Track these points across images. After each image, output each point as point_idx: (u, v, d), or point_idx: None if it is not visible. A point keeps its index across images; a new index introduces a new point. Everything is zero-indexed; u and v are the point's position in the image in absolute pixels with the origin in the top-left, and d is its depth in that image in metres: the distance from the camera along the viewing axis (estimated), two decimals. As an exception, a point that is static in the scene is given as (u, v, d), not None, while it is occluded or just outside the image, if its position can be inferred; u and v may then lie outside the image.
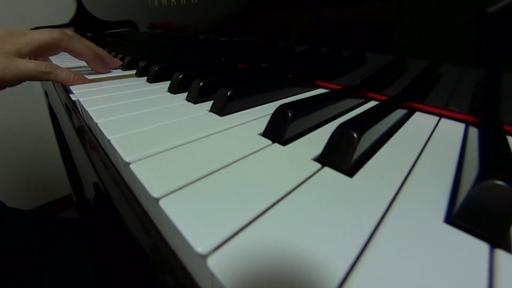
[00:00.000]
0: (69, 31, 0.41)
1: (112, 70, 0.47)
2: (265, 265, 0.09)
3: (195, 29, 0.55)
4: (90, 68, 0.45)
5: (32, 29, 0.89)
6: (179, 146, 0.18)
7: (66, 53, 0.44)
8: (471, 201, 0.11)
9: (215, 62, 0.50)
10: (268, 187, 0.13)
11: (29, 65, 0.33)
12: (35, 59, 0.37)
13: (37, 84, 1.14)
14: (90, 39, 0.54)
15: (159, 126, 0.21)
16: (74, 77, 0.36)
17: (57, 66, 0.36)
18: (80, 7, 1.11)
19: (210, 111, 0.25)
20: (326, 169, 0.15)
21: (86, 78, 0.39)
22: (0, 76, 0.32)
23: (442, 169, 0.16)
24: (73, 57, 0.42)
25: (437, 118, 0.24)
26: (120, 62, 0.49)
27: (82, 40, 0.42)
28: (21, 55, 0.35)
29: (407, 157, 0.17)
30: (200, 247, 0.10)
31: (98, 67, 0.44)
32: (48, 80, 0.36)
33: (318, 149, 0.17)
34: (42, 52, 0.38)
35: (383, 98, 0.29)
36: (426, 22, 0.23)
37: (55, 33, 0.37)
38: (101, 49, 0.46)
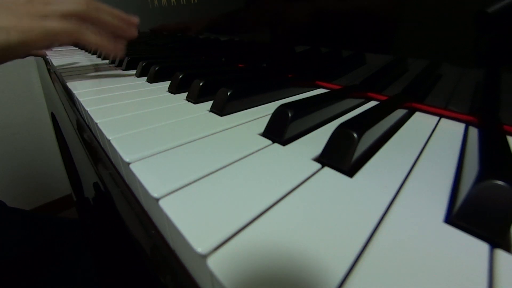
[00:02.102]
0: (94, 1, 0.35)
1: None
2: (265, 265, 0.09)
3: (195, 29, 0.55)
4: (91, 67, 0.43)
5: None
6: (179, 146, 0.18)
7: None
8: (471, 201, 0.11)
9: (215, 62, 0.50)
10: (268, 187, 0.13)
11: (56, 24, 0.31)
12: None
13: (37, 84, 1.14)
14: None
15: (159, 126, 0.21)
16: (102, 42, 0.34)
17: (86, 27, 0.33)
18: (80, 7, 1.11)
19: (210, 111, 0.25)
20: (326, 169, 0.15)
21: (117, 45, 0.36)
22: (26, 38, 0.29)
23: (442, 169, 0.16)
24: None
25: (437, 118, 0.24)
26: (137, 19, 0.42)
27: (111, 11, 0.37)
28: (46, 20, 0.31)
29: (407, 157, 0.17)
30: (200, 247, 0.10)
31: (125, 33, 0.39)
32: (77, 41, 0.33)
33: (318, 149, 0.17)
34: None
35: (383, 98, 0.29)
36: (426, 22, 0.23)
37: (82, 5, 0.33)
38: (121, 14, 0.39)
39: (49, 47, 0.34)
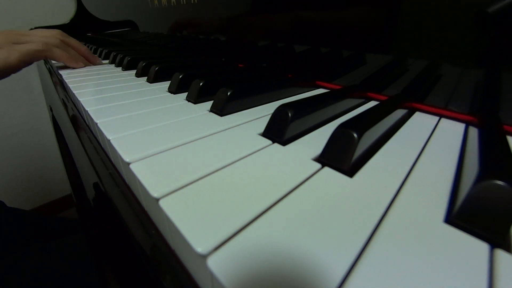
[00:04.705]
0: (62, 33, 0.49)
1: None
2: (265, 265, 0.09)
3: (195, 29, 0.55)
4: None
5: (31, 29, 0.89)
6: (179, 146, 0.18)
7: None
8: (471, 201, 0.11)
9: (215, 62, 0.50)
10: (268, 187, 0.13)
11: (28, 47, 0.41)
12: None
13: (37, 85, 1.14)
14: (90, 39, 0.55)
15: (159, 126, 0.21)
16: (67, 56, 0.45)
17: (53, 45, 0.44)
18: (80, 7, 1.11)
19: (210, 111, 0.25)
20: (326, 169, 0.15)
21: (79, 62, 0.47)
22: (6, 63, 0.38)
23: (442, 169, 0.16)
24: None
25: (437, 118, 0.24)
26: (100, 61, 0.56)
27: (71, 42, 0.51)
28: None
29: (407, 157, 0.17)
30: (200, 247, 0.10)
31: (77, 63, 0.50)
32: (46, 57, 0.44)
33: (318, 149, 0.17)
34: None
35: (383, 98, 0.29)
36: (426, 22, 0.23)
37: (40, 45, 0.44)
38: (84, 48, 0.53)
39: (27, 65, 0.43)
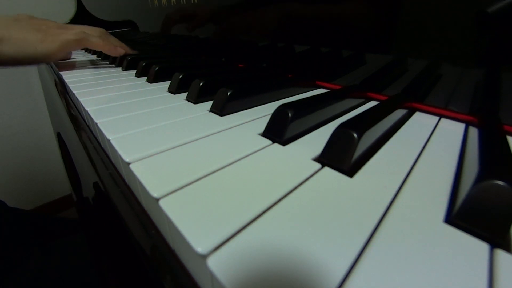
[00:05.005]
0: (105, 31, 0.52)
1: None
2: (265, 265, 0.09)
3: (189, 24, 0.55)
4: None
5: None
6: (179, 146, 0.18)
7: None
8: (471, 201, 0.11)
9: (215, 62, 0.50)
10: (268, 187, 0.13)
11: (66, 36, 0.43)
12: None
13: (37, 85, 1.14)
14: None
15: (159, 126, 0.21)
16: (104, 44, 0.47)
17: (88, 34, 0.46)
18: (80, 7, 1.11)
19: (210, 111, 0.25)
20: (326, 169, 0.15)
21: (117, 48, 0.50)
22: (49, 49, 0.41)
23: (442, 169, 0.16)
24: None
25: (437, 118, 0.24)
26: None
27: (115, 39, 0.53)
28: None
29: (407, 157, 0.17)
30: (200, 247, 0.10)
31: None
32: (86, 45, 0.45)
33: (318, 149, 0.17)
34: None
35: (383, 98, 0.29)
36: (426, 22, 0.23)
37: (97, 32, 0.49)
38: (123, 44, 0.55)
39: (66, 56, 0.49)
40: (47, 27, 0.43)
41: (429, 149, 0.18)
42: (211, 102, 0.26)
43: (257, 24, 0.40)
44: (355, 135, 0.15)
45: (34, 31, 0.40)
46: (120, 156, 0.17)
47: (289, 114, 0.19)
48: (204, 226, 0.11)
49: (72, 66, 0.52)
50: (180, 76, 0.32)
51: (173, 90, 0.32)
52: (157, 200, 0.12)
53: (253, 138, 0.19)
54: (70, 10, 1.15)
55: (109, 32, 0.54)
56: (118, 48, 0.50)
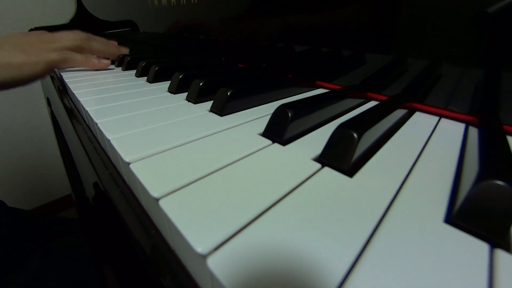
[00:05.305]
0: (86, 35, 0.50)
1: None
2: (265, 265, 0.09)
3: (195, 29, 0.55)
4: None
5: (31, 29, 0.89)
6: (179, 146, 0.18)
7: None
8: (471, 201, 0.11)
9: (215, 62, 0.50)
10: (268, 187, 0.13)
11: (54, 56, 0.42)
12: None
13: (37, 85, 1.14)
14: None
15: (159, 126, 0.21)
16: (86, 59, 0.46)
17: (72, 53, 0.45)
18: (80, 7, 1.11)
19: (210, 111, 0.25)
20: (326, 169, 0.15)
21: (100, 62, 0.48)
22: (34, 71, 0.40)
23: (442, 169, 0.16)
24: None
25: (437, 118, 0.24)
26: (127, 50, 0.58)
27: (98, 40, 0.52)
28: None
29: (407, 157, 0.17)
30: (200, 247, 0.10)
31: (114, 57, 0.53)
32: (70, 65, 0.45)
33: (318, 149, 0.17)
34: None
35: (383, 98, 0.29)
36: (426, 22, 0.23)
37: (78, 41, 0.48)
38: (111, 42, 0.55)
39: (50, 73, 0.45)
40: (30, 46, 0.42)
41: (429, 149, 0.18)
42: (211, 102, 0.26)
43: (260, 26, 0.40)
44: (355, 135, 0.15)
45: (17, 53, 0.39)
46: (120, 156, 0.17)
47: (289, 114, 0.19)
48: (204, 226, 0.11)
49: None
50: (180, 76, 0.32)
51: (173, 90, 0.32)
52: (157, 200, 0.12)
53: (253, 138, 0.19)
54: (70, 10, 1.15)
55: (109, 33, 0.54)
56: (102, 61, 0.48)
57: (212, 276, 0.09)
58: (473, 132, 0.20)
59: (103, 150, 0.23)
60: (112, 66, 0.52)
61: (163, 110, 0.25)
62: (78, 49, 0.47)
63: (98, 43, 0.51)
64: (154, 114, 0.24)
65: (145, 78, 0.40)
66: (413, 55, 0.25)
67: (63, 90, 0.43)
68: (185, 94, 0.30)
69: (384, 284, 0.09)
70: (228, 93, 0.24)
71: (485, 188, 0.11)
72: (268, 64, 0.43)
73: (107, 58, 0.50)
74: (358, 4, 0.28)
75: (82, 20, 1.10)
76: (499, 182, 0.10)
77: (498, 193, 0.10)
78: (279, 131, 0.19)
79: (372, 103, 0.29)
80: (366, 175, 0.15)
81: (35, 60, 0.40)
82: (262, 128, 0.21)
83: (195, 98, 0.28)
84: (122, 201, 0.18)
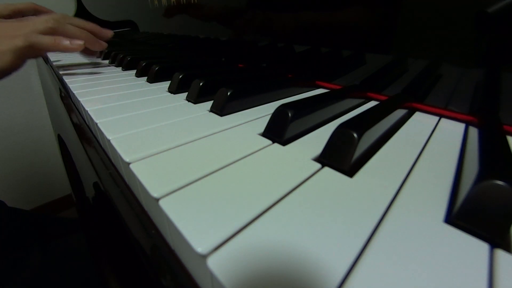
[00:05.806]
0: (61, 16, 0.44)
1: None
2: (265, 265, 0.09)
3: (195, 29, 0.55)
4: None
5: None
6: (179, 146, 0.18)
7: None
8: (471, 201, 0.11)
9: (215, 62, 0.50)
10: (268, 187, 0.13)
11: (20, 42, 0.37)
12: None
13: (37, 84, 1.14)
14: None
15: (159, 126, 0.21)
16: (55, 41, 0.39)
17: (39, 35, 0.39)
18: (80, 7, 1.11)
19: (210, 111, 0.25)
20: (326, 169, 0.15)
21: (72, 43, 0.41)
22: (3, 62, 0.36)
23: (442, 169, 0.16)
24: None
25: (437, 118, 0.24)
26: (111, 32, 0.51)
27: (75, 22, 0.45)
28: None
29: (407, 157, 0.17)
30: (200, 247, 0.10)
31: (93, 45, 0.46)
32: (40, 50, 0.39)
33: (318, 149, 0.17)
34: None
35: (383, 98, 0.29)
36: (426, 22, 0.23)
37: (50, 23, 0.41)
38: (91, 24, 0.48)
39: (21, 65, 0.39)
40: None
41: (429, 149, 0.18)
42: (211, 102, 0.26)
43: (260, 26, 0.40)
44: (355, 135, 0.15)
45: None
46: (120, 156, 0.17)
47: (289, 114, 0.19)
48: (204, 226, 0.11)
49: (72, 66, 0.53)
50: (180, 76, 0.32)
51: (173, 90, 0.32)
52: (157, 200, 0.12)
53: (253, 138, 0.19)
54: (70, 10, 1.15)
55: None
56: (74, 42, 0.41)
57: (212, 276, 0.09)
58: (473, 132, 0.20)
59: (103, 150, 0.23)
60: (112, 66, 0.52)
61: (163, 110, 0.25)
62: (51, 32, 0.40)
63: (75, 26, 0.44)
64: (154, 114, 0.24)
65: (145, 78, 0.40)
66: (413, 55, 0.25)
67: (63, 90, 0.43)
68: (185, 94, 0.30)
69: (384, 284, 0.09)
70: (228, 93, 0.24)
71: (485, 188, 0.11)
72: (268, 64, 0.43)
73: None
74: (358, 4, 0.28)
75: (82, 20, 1.10)
76: (499, 182, 0.10)
77: (498, 193, 0.10)
78: (279, 131, 0.19)
79: (372, 103, 0.29)
80: (366, 175, 0.15)
81: (0, 50, 0.35)
82: (262, 128, 0.21)
83: (195, 98, 0.28)
84: (122, 201, 0.18)
